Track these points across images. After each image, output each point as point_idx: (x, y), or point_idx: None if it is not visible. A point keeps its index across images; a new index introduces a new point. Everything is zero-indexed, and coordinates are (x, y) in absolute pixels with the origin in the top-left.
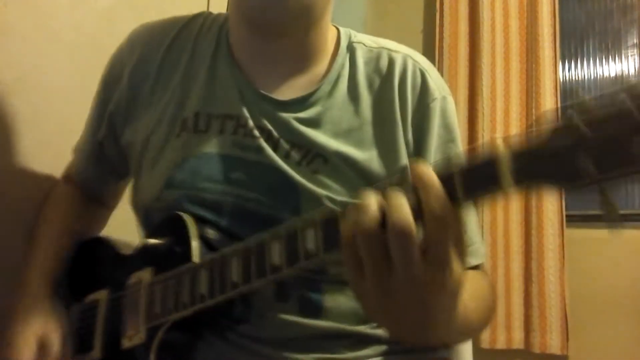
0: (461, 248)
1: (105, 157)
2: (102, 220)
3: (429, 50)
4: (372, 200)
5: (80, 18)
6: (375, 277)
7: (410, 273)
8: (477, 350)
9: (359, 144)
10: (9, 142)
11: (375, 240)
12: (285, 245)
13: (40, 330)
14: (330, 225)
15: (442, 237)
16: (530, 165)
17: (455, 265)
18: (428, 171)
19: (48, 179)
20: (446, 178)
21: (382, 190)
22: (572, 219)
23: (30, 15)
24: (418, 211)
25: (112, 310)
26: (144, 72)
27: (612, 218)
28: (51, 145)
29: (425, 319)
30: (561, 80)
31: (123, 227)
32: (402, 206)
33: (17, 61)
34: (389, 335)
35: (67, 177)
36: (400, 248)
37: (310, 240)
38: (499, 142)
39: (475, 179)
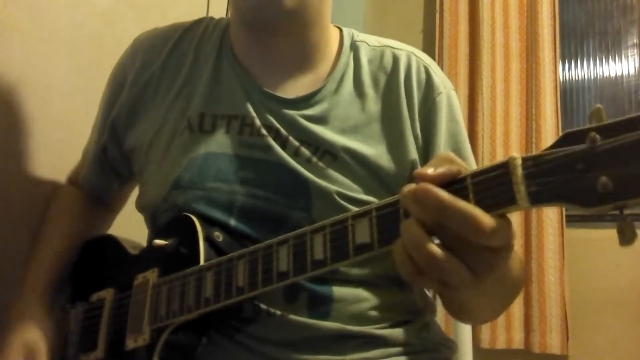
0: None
1: (109, 161)
2: (107, 222)
3: (429, 50)
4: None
5: (80, 18)
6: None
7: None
8: (477, 350)
9: (367, 140)
10: (9, 142)
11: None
12: (293, 252)
13: (28, 338)
14: (339, 234)
15: (450, 224)
16: (548, 185)
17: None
18: (410, 190)
19: (48, 179)
20: (460, 193)
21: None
22: (572, 219)
23: (30, 15)
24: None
25: (117, 310)
26: (146, 77)
27: (627, 237)
28: (51, 145)
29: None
30: (561, 80)
31: (129, 226)
32: (411, 225)
33: (17, 61)
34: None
35: (73, 179)
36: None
37: (319, 248)
38: (516, 159)
39: (490, 196)
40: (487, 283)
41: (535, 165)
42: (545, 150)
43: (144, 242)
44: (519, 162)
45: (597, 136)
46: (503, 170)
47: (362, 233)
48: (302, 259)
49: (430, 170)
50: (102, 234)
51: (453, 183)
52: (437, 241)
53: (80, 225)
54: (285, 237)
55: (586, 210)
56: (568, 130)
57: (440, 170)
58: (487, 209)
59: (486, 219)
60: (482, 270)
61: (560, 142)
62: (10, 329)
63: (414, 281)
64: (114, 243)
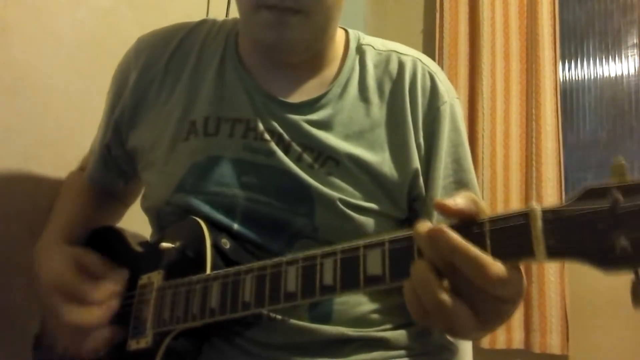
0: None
1: (113, 159)
2: (117, 213)
3: (429, 50)
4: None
5: (80, 18)
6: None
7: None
8: (477, 350)
9: (370, 146)
10: (9, 142)
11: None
12: (302, 274)
13: (71, 253)
14: (350, 262)
15: (462, 271)
16: (566, 240)
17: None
18: (425, 230)
19: (48, 179)
20: (477, 238)
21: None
22: None
23: (30, 15)
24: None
25: (120, 309)
26: (149, 77)
27: None
28: (51, 145)
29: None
30: (561, 80)
31: (133, 221)
32: (422, 269)
33: (17, 61)
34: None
35: (84, 167)
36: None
37: (329, 274)
38: (536, 210)
39: (507, 245)
40: (492, 329)
41: (556, 220)
42: (566, 204)
43: (148, 236)
44: (539, 214)
45: (620, 196)
46: (523, 220)
47: (374, 264)
48: (311, 282)
49: (450, 202)
50: (108, 224)
51: (471, 226)
52: (446, 284)
53: (89, 209)
54: (295, 257)
55: (602, 271)
56: (590, 186)
57: (461, 205)
58: (503, 258)
59: (495, 268)
60: (489, 318)
61: (581, 198)
62: (44, 259)
63: (420, 322)
64: (118, 236)
